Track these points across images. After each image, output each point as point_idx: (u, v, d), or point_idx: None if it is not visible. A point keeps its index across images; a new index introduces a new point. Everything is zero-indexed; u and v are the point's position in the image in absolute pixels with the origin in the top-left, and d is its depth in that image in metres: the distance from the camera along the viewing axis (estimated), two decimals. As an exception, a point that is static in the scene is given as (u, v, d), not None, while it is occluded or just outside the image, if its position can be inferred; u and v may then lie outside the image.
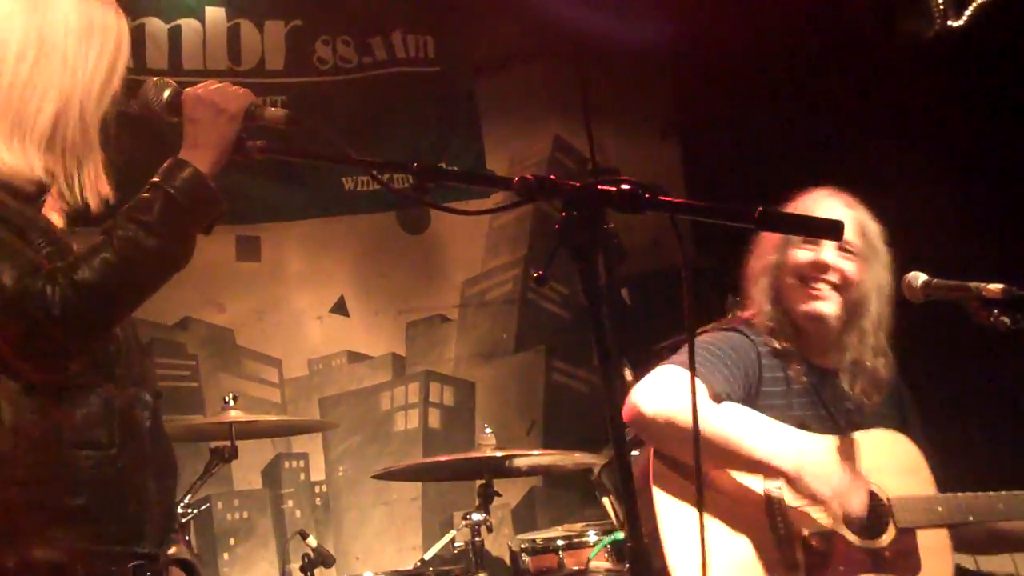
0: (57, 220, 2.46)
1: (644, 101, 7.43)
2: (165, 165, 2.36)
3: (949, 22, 5.89)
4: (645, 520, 3.24)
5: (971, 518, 3.48)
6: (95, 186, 2.44)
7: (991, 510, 3.49)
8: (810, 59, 6.38)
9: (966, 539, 3.58)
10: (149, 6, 6.13)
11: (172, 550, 2.61)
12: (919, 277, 3.45)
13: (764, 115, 6.57)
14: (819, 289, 3.53)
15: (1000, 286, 3.27)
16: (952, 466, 3.61)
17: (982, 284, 3.30)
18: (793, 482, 3.29)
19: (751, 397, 3.46)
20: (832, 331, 3.57)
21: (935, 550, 3.46)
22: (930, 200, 5.71)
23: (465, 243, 6.96)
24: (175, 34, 6.17)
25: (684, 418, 3.21)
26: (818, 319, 3.53)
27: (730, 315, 3.77)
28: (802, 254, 3.55)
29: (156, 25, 6.11)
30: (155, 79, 2.45)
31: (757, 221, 2.08)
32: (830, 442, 3.45)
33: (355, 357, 6.63)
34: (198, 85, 2.41)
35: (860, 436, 3.51)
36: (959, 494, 3.50)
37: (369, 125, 6.56)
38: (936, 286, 3.43)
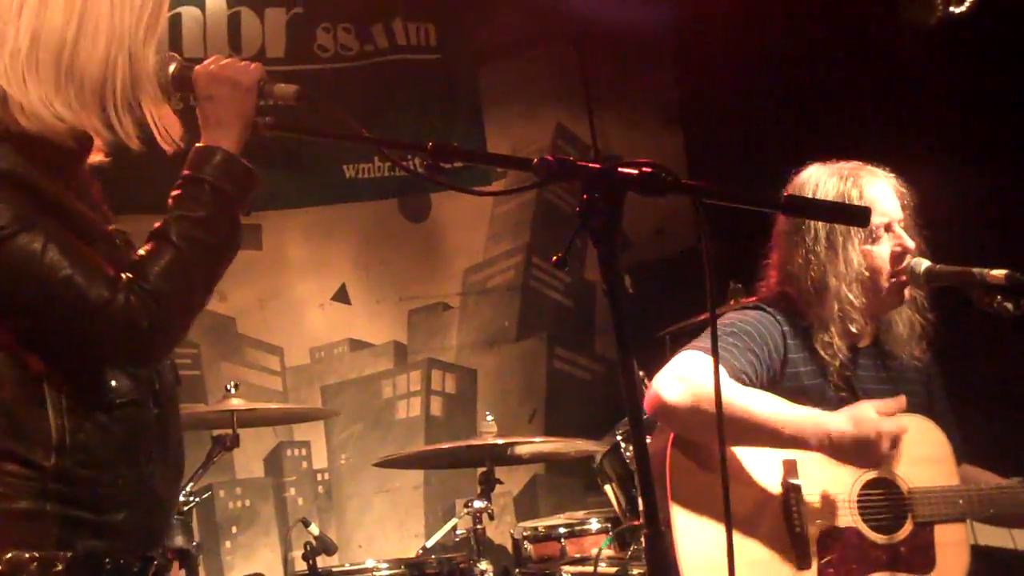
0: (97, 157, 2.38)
1: (647, 88, 7.41)
2: (193, 154, 2.29)
3: (951, 8, 5.87)
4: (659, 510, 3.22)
5: (992, 511, 3.42)
6: (164, 130, 2.35)
7: (1013, 501, 3.43)
8: (813, 46, 6.36)
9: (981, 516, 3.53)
10: (149, -7, 6.10)
11: (178, 541, 2.61)
12: (922, 263, 3.42)
13: (767, 101, 6.56)
14: (905, 278, 3.44)
15: (1004, 271, 3.25)
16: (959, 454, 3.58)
17: (985, 270, 3.28)
18: (823, 449, 3.20)
19: (776, 378, 3.37)
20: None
21: (951, 544, 3.40)
22: (933, 186, 5.68)
23: (467, 230, 6.95)
24: (175, 22, 6.15)
25: (708, 404, 3.12)
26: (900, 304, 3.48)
27: (758, 290, 3.64)
28: (886, 250, 3.42)
29: (156, 12, 6.09)
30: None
31: (783, 206, 2.06)
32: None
33: (357, 345, 6.62)
34: (207, 60, 2.33)
35: None
36: (980, 485, 3.44)
37: (371, 113, 6.54)
38: (939, 272, 3.40)
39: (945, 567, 3.38)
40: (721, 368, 3.19)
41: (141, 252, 2.23)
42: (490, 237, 7.00)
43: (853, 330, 3.42)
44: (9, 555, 2.10)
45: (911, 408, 3.41)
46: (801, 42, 6.38)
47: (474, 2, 7.00)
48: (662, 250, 7.11)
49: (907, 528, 3.36)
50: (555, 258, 2.07)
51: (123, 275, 2.15)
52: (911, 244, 3.43)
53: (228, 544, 6.10)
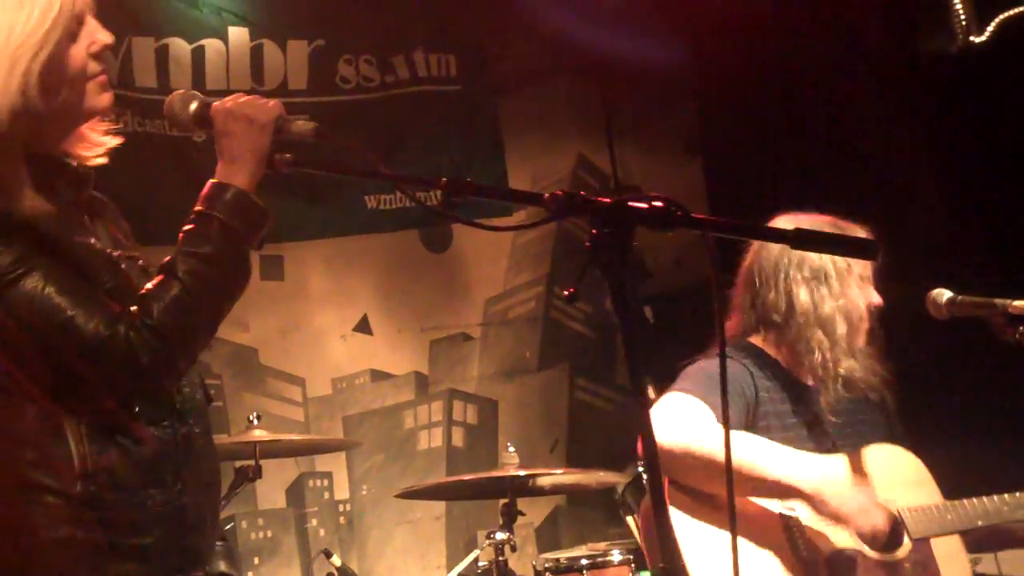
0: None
1: (667, 119, 7.43)
2: (206, 191, 2.33)
3: (971, 38, 5.87)
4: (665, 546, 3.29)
5: (980, 522, 3.52)
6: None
7: (998, 513, 3.53)
8: (832, 76, 6.37)
9: (971, 539, 3.64)
10: (172, 27, 6.15)
11: (221, 566, 2.61)
12: (944, 294, 3.44)
13: (787, 132, 6.57)
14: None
15: (1026, 303, 3.26)
16: (973, 482, 3.63)
17: (1008, 301, 3.29)
18: (814, 503, 3.33)
19: (750, 418, 3.49)
20: None
21: (951, 556, 3.53)
22: (953, 216, 5.69)
23: (488, 261, 6.96)
24: (198, 55, 6.19)
25: (699, 447, 3.26)
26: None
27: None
28: (875, 295, 3.63)
29: (180, 46, 6.14)
30: (180, 92, 2.41)
31: (792, 239, 2.07)
32: (842, 461, 3.49)
33: (378, 375, 6.63)
34: (226, 98, 2.37)
35: (866, 453, 3.55)
36: (966, 501, 3.55)
37: (391, 144, 6.57)
38: (961, 303, 3.42)
39: None
40: (708, 410, 3.34)
41: (148, 286, 2.26)
42: (511, 268, 7.02)
43: (832, 358, 3.56)
44: None
45: (875, 438, 3.62)
46: (820, 73, 6.40)
47: (495, 34, 7.04)
48: (681, 281, 7.11)
49: (906, 546, 3.47)
50: (567, 292, 2.08)
51: (128, 309, 2.19)
52: (880, 302, 3.63)
53: (250, 575, 6.10)
